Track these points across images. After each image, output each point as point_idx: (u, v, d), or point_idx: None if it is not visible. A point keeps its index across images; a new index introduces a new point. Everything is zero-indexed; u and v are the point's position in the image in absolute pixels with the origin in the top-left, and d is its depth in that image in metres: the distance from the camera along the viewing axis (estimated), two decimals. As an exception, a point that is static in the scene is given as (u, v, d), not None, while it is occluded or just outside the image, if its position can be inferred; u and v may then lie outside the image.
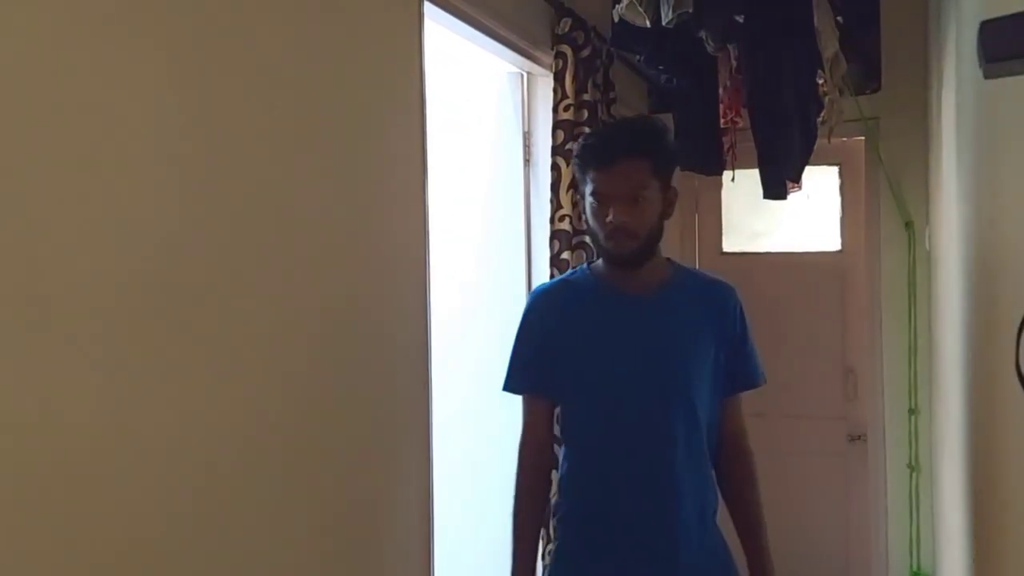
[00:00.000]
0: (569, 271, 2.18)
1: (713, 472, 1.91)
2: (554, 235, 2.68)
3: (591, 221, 1.84)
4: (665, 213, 1.85)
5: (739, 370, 1.92)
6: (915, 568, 3.73)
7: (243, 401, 1.39)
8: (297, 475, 1.53)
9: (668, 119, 3.49)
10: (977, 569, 1.70)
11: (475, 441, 2.68)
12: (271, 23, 1.48)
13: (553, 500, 1.98)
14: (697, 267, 3.95)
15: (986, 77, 0.91)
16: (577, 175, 1.89)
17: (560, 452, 1.94)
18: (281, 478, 1.49)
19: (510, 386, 1.93)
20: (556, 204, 2.66)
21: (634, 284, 1.87)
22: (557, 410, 1.96)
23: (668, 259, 1.95)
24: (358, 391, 1.73)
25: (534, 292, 2.02)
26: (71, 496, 1.08)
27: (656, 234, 1.84)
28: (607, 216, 1.78)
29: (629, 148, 1.79)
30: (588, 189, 1.82)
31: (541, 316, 1.92)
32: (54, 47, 1.07)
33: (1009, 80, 0.95)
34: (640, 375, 1.82)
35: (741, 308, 1.92)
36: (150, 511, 1.20)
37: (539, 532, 1.93)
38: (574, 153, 1.89)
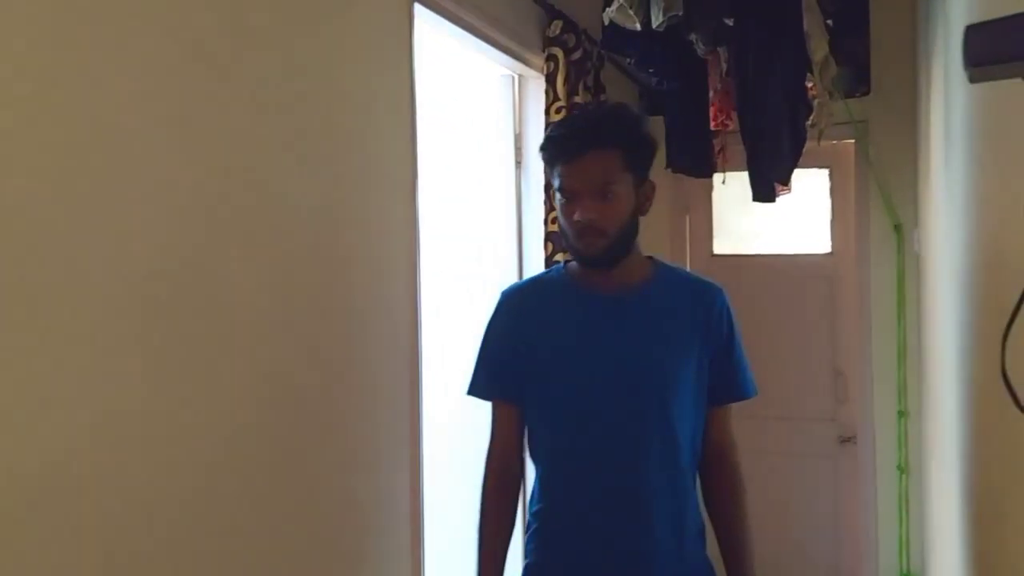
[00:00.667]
0: (544, 270, 2.10)
1: (698, 488, 1.79)
2: (548, 237, 2.68)
3: (560, 219, 1.70)
4: (640, 209, 1.70)
5: (726, 379, 1.77)
6: (904, 569, 3.74)
7: (230, 399, 1.39)
8: (286, 474, 1.53)
9: (659, 121, 3.51)
10: (974, 570, 1.70)
11: (465, 442, 2.68)
12: (262, 24, 1.48)
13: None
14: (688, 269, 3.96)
15: (971, 81, 0.92)
16: (546, 170, 1.74)
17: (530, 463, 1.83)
18: (269, 477, 1.49)
19: (474, 390, 1.82)
20: (549, 206, 2.67)
21: (610, 284, 1.73)
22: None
23: (649, 257, 1.80)
24: (348, 391, 1.73)
25: (504, 292, 1.86)
26: (61, 494, 1.08)
27: (630, 231, 1.69)
28: (574, 214, 1.65)
29: (595, 139, 1.65)
30: (556, 185, 1.69)
31: (508, 318, 1.80)
32: (52, 52, 1.07)
33: (997, 84, 0.96)
34: (611, 382, 1.69)
35: (729, 311, 1.77)
36: (138, 511, 1.20)
37: (506, 543, 1.79)
38: (540, 147, 1.75)
